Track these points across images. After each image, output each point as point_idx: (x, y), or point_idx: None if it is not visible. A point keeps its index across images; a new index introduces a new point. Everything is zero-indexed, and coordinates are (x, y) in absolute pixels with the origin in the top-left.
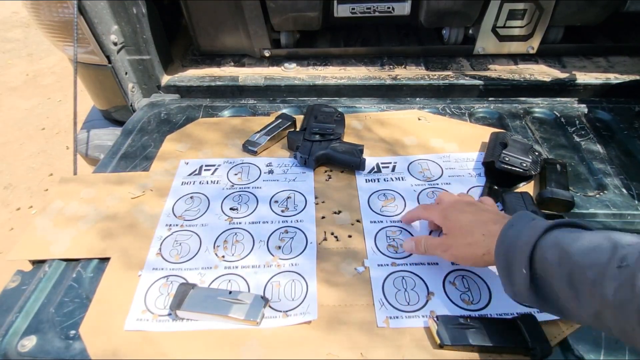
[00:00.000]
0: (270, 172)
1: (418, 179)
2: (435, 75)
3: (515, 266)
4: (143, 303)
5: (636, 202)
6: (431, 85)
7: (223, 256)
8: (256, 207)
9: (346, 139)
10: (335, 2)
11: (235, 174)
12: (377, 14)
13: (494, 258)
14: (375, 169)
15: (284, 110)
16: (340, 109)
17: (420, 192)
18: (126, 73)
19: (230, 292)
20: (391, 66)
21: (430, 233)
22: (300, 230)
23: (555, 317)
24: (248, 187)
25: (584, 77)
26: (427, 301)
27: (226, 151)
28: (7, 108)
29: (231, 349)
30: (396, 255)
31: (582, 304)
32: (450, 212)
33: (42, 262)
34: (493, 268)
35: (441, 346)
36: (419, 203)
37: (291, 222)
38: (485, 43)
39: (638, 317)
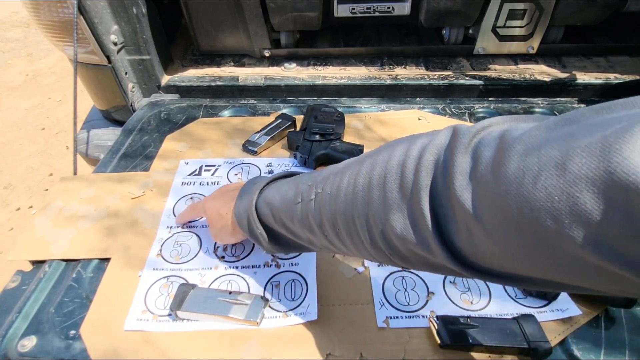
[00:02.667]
0: (271, 172)
1: None
2: (435, 75)
3: (253, 229)
4: (143, 303)
5: None
6: (431, 85)
7: (223, 257)
8: None
9: (346, 139)
10: (335, 2)
11: (236, 174)
12: (377, 14)
13: (236, 223)
14: None
15: (284, 110)
16: (340, 109)
17: None
18: (126, 73)
19: (230, 293)
20: (391, 66)
21: None
22: None
23: (555, 317)
24: None
25: (584, 77)
26: (427, 301)
27: (226, 151)
28: (6, 108)
29: (231, 349)
30: None
31: (299, 238)
32: (206, 203)
33: (42, 262)
34: None
35: (441, 346)
36: None
37: None
38: (485, 43)
39: (321, 235)
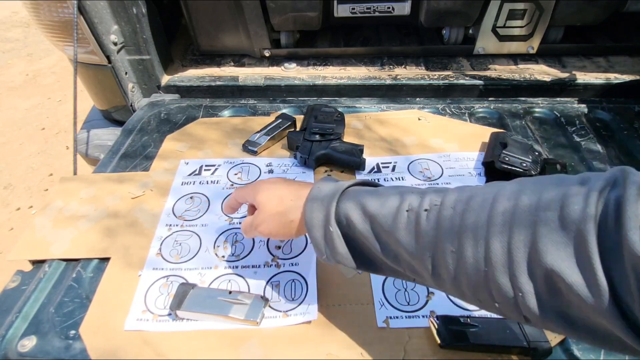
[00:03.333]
0: (271, 172)
1: (418, 178)
2: (435, 75)
3: (327, 229)
4: (143, 303)
5: None
6: (431, 85)
7: (223, 256)
8: None
9: (346, 139)
10: (335, 2)
11: (236, 174)
12: (377, 14)
13: (304, 219)
14: (376, 169)
15: (284, 110)
16: (340, 109)
17: None
18: (126, 73)
19: (230, 292)
20: (391, 66)
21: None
22: None
23: None
24: None
25: (584, 77)
26: (427, 301)
27: (226, 151)
28: (6, 108)
29: (231, 349)
30: None
31: (384, 252)
32: (260, 186)
33: (42, 262)
34: None
35: (441, 346)
36: None
37: None
38: (485, 43)
39: (425, 255)
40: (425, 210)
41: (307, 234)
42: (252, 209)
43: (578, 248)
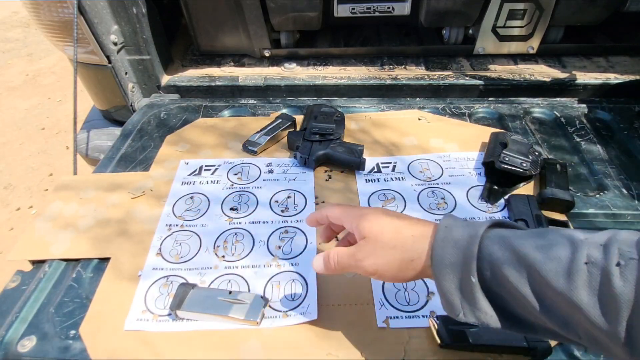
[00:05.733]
0: (270, 172)
1: (418, 179)
2: (435, 75)
3: (466, 281)
4: (143, 303)
5: (636, 202)
6: (431, 85)
7: (223, 256)
8: (256, 207)
9: (346, 139)
10: (335, 2)
11: (235, 174)
12: (377, 14)
13: (430, 261)
14: (375, 169)
15: (284, 110)
16: (340, 109)
17: (420, 192)
18: (126, 73)
19: (230, 292)
20: (391, 66)
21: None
22: (301, 230)
23: None
24: (248, 187)
25: (584, 77)
26: (427, 301)
27: (226, 151)
28: (6, 108)
29: (231, 349)
30: None
31: (548, 315)
32: (370, 212)
33: (42, 262)
34: None
35: (441, 346)
36: (419, 203)
37: (291, 222)
38: (485, 43)
39: (620, 326)
40: (618, 264)
41: (436, 285)
42: (330, 232)
43: None
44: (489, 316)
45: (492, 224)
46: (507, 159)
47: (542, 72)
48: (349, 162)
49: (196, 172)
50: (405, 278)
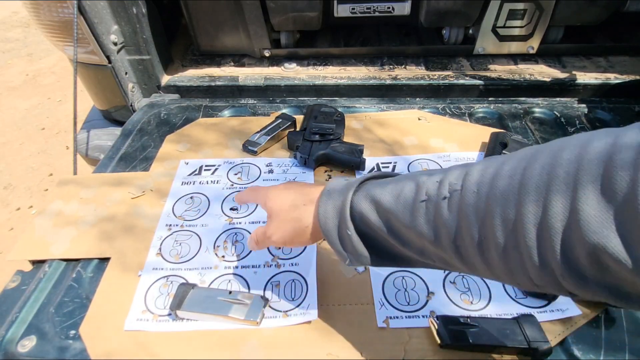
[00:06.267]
0: (271, 172)
1: None
2: (435, 75)
3: (342, 231)
4: (143, 303)
5: None
6: (431, 85)
7: (223, 256)
8: (256, 207)
9: (346, 139)
10: (335, 2)
11: (235, 174)
12: (377, 14)
13: (318, 226)
14: (376, 169)
15: (284, 110)
16: (340, 109)
17: None
18: (126, 73)
19: (230, 292)
20: (391, 66)
21: None
22: None
23: (555, 317)
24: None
25: (584, 77)
26: (427, 301)
27: (226, 151)
28: (6, 108)
29: (231, 349)
30: None
31: (408, 247)
32: (271, 192)
33: (42, 262)
34: None
35: (441, 346)
36: None
37: None
38: (485, 43)
39: (451, 247)
40: (445, 198)
41: (327, 242)
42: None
43: (629, 218)
44: (364, 257)
45: (364, 180)
46: None
47: (542, 72)
48: (349, 162)
49: (196, 172)
50: (308, 242)
